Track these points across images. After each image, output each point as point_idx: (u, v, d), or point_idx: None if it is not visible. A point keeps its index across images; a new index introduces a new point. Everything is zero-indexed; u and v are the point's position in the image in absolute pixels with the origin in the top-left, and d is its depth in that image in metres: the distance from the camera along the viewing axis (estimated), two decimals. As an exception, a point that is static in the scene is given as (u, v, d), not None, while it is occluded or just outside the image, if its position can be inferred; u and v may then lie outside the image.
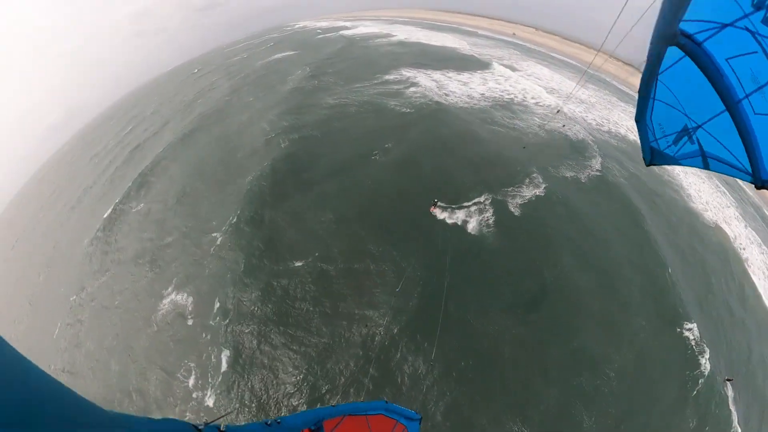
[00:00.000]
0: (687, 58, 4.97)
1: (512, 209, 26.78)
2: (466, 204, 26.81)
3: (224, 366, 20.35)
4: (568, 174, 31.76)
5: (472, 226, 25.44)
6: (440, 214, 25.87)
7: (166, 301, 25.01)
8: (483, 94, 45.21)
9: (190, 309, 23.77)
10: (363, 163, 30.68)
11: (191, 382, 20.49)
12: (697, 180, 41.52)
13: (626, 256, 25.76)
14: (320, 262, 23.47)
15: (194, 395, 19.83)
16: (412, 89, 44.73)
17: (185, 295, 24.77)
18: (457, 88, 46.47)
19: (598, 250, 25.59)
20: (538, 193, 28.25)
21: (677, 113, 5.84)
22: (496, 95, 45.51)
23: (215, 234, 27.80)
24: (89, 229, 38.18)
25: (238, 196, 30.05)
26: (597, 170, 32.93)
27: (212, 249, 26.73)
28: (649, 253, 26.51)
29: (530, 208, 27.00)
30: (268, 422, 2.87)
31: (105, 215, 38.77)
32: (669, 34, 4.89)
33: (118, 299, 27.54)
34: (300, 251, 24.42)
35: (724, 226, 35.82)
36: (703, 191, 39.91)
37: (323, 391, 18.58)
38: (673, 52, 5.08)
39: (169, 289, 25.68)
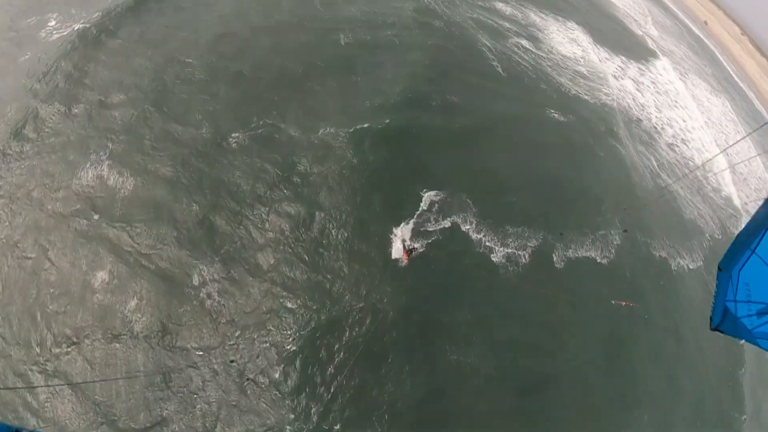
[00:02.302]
0: None
1: (555, 259, 21.32)
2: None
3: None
4: (658, 254, 24.86)
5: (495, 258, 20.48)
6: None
7: None
8: (626, 96, 34.17)
9: None
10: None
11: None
12: None
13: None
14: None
15: None
16: (522, 42, 32.22)
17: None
18: (590, 70, 33.76)
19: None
20: (597, 258, 22.28)
21: None
22: (640, 105, 34.62)
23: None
24: None
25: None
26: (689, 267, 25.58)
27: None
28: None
29: (575, 267, 21.36)
30: None
31: None
32: None
33: None
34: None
35: None
36: None
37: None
38: None
39: None
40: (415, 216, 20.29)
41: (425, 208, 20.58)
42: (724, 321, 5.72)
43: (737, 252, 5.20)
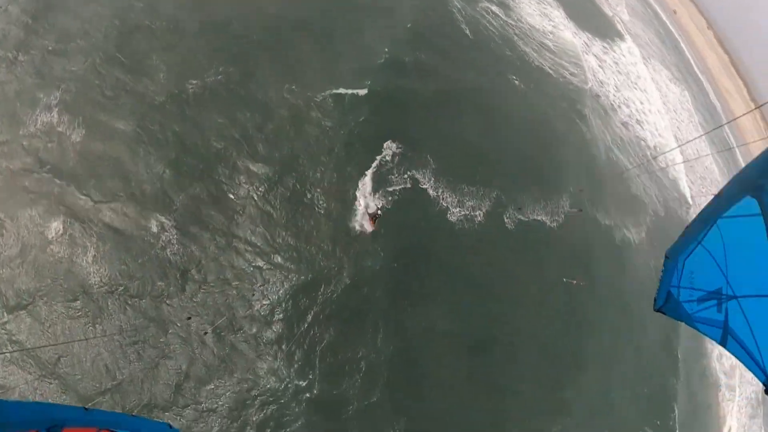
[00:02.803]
0: (760, 219, 4.20)
1: (507, 221, 22.43)
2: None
3: None
4: (606, 222, 26.42)
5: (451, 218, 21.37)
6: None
7: None
8: (588, 71, 34.83)
9: None
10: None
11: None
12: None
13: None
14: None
15: None
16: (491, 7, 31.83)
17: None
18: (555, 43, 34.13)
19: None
20: (548, 223, 23.57)
21: (717, 271, 5.16)
22: (600, 81, 35.49)
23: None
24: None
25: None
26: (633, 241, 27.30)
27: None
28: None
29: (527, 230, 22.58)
30: None
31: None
32: (755, 184, 4.27)
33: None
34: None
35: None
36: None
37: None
38: (749, 204, 4.33)
39: None
40: (378, 165, 20.70)
41: (388, 159, 20.99)
42: (666, 304, 6.19)
43: (685, 242, 5.57)
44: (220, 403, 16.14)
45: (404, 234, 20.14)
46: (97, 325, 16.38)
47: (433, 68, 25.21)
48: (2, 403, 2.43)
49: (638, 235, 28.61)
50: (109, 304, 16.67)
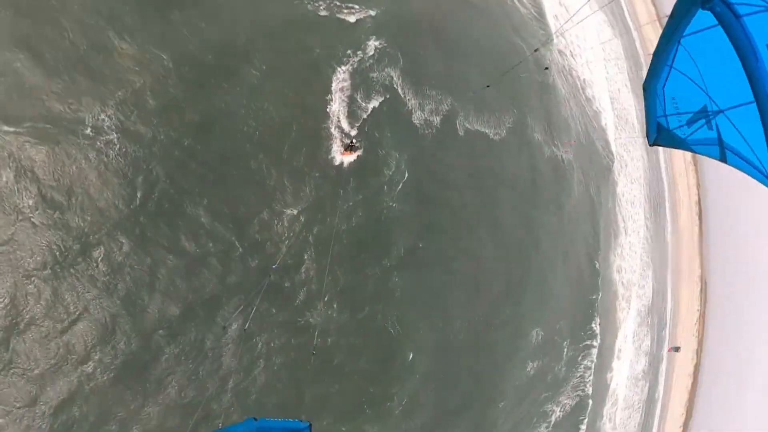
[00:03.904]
0: (720, 29, 4.19)
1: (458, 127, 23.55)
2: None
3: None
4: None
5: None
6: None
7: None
8: None
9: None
10: None
11: None
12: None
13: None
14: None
15: None
16: None
17: None
18: None
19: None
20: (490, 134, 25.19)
21: (697, 90, 5.15)
22: None
23: None
24: None
25: None
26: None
27: None
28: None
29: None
30: None
31: None
32: None
33: None
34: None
35: None
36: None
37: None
38: (704, 17, 4.28)
39: None
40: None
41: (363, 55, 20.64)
42: (659, 136, 6.10)
43: (656, 70, 5.40)
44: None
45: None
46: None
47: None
48: None
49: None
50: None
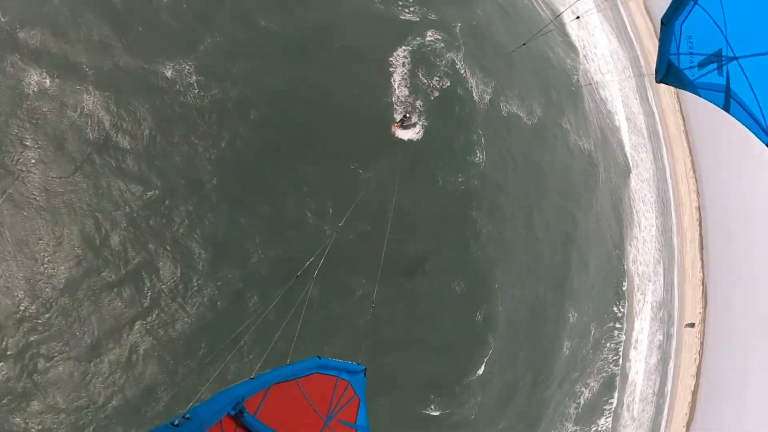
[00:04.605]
0: None
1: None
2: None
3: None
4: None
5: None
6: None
7: None
8: None
9: None
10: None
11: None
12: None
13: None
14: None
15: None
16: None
17: None
18: None
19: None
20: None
21: (717, 32, 4.93)
22: None
23: None
24: None
25: None
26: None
27: None
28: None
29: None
30: (175, 422, 2.60)
31: None
32: None
33: None
34: None
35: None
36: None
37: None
38: None
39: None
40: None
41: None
42: (668, 74, 6.02)
43: (680, 3, 5.22)
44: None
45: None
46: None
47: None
48: (195, 412, 2.75)
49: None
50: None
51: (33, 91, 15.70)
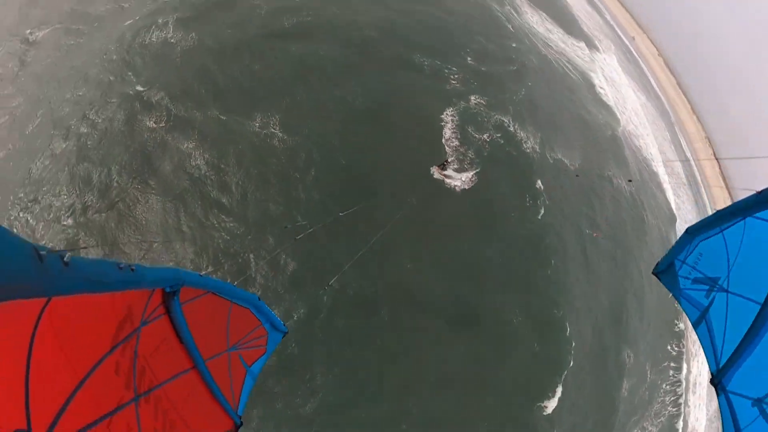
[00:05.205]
0: None
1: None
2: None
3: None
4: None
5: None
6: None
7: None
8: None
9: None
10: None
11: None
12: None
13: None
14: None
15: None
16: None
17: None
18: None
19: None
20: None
21: (724, 263, 5.41)
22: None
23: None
24: None
25: None
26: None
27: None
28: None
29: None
30: (121, 265, 2.53)
31: None
32: None
33: None
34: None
35: None
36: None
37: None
38: None
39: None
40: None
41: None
42: (666, 272, 6.46)
43: (709, 226, 5.71)
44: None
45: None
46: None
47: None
48: (141, 268, 2.82)
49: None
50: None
51: (150, 130, 22.08)
